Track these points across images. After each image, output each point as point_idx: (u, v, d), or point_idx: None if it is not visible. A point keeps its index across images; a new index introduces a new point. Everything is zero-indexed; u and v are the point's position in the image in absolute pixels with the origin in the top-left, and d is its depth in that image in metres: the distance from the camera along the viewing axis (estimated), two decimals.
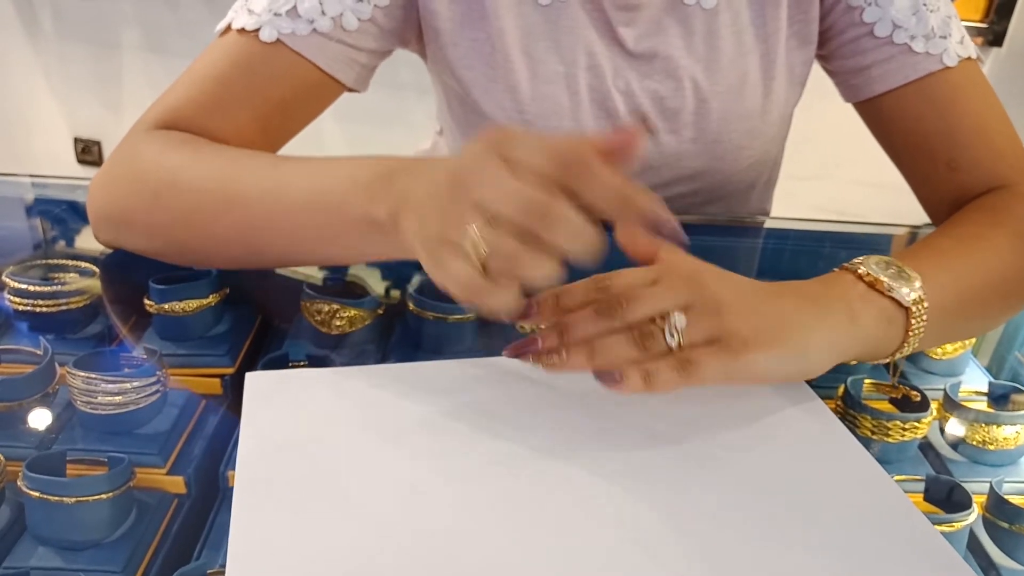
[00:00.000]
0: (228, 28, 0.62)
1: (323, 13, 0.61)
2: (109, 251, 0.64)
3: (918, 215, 0.86)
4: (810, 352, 0.47)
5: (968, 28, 1.70)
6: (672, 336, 0.43)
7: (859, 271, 0.50)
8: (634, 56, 0.69)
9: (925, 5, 0.65)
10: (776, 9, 0.69)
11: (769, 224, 0.85)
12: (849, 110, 0.72)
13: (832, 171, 2.09)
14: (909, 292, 0.49)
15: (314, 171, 0.53)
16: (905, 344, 0.50)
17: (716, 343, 0.44)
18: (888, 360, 0.52)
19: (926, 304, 0.50)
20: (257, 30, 0.60)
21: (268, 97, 0.62)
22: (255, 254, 0.57)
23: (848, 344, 0.48)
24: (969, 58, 0.66)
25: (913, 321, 0.49)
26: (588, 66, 0.68)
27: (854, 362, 0.54)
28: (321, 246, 0.53)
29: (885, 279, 0.49)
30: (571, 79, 0.68)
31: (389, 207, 0.46)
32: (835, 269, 0.52)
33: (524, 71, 0.67)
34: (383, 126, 1.86)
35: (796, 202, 0.90)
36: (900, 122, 0.68)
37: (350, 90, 0.67)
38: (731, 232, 0.83)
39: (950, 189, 0.66)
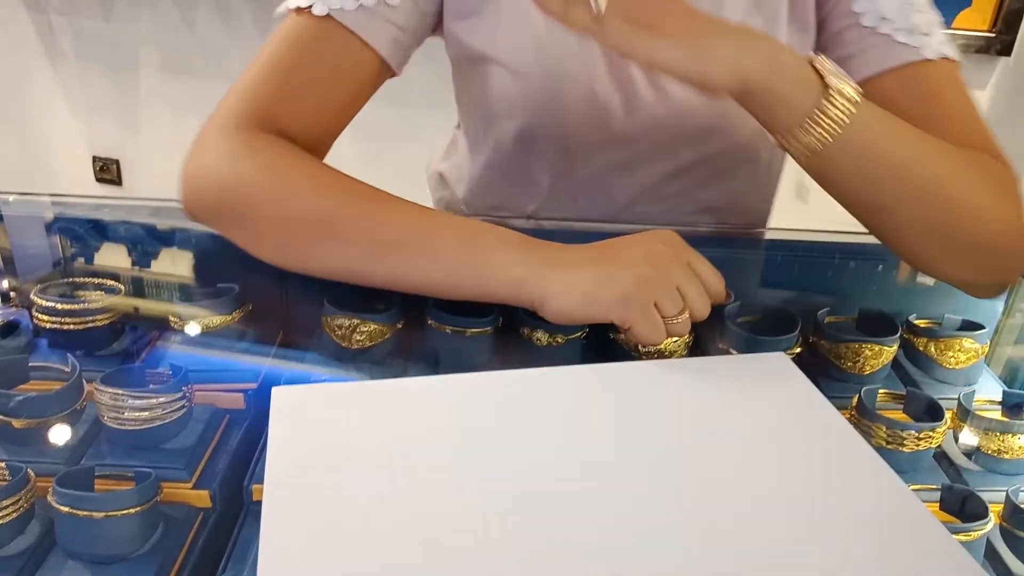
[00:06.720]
0: (288, 11, 0.67)
1: None
2: (132, 269, 0.65)
3: None
4: (710, 55, 0.54)
5: (976, 38, 1.71)
6: (595, 3, 0.52)
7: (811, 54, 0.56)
8: None
9: (911, 4, 0.68)
10: None
11: (778, 236, 0.85)
12: None
13: None
14: (840, 83, 0.55)
15: (457, 218, 0.60)
16: (813, 123, 0.55)
17: (632, 22, 0.53)
18: (792, 141, 0.57)
19: (851, 106, 0.55)
20: (311, 6, 0.66)
21: (324, 72, 0.67)
22: (382, 275, 0.59)
23: (755, 70, 0.54)
24: (948, 58, 0.68)
25: (829, 105, 0.54)
26: None
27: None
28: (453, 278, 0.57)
29: (829, 64, 0.54)
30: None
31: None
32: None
33: (540, 21, 0.72)
34: (395, 143, 1.88)
35: (807, 216, 0.90)
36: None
37: (391, 74, 0.72)
38: (741, 244, 0.84)
39: None
